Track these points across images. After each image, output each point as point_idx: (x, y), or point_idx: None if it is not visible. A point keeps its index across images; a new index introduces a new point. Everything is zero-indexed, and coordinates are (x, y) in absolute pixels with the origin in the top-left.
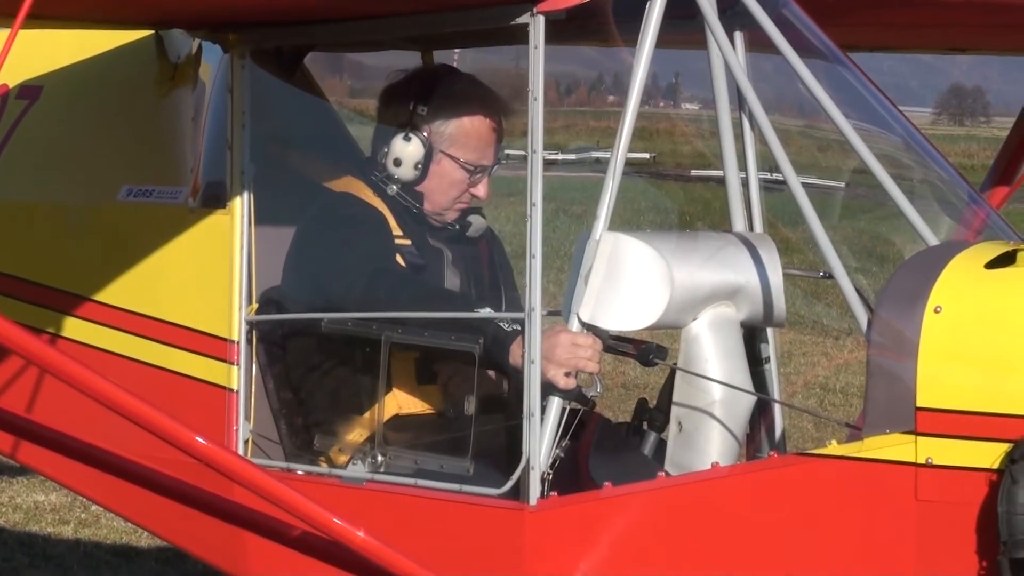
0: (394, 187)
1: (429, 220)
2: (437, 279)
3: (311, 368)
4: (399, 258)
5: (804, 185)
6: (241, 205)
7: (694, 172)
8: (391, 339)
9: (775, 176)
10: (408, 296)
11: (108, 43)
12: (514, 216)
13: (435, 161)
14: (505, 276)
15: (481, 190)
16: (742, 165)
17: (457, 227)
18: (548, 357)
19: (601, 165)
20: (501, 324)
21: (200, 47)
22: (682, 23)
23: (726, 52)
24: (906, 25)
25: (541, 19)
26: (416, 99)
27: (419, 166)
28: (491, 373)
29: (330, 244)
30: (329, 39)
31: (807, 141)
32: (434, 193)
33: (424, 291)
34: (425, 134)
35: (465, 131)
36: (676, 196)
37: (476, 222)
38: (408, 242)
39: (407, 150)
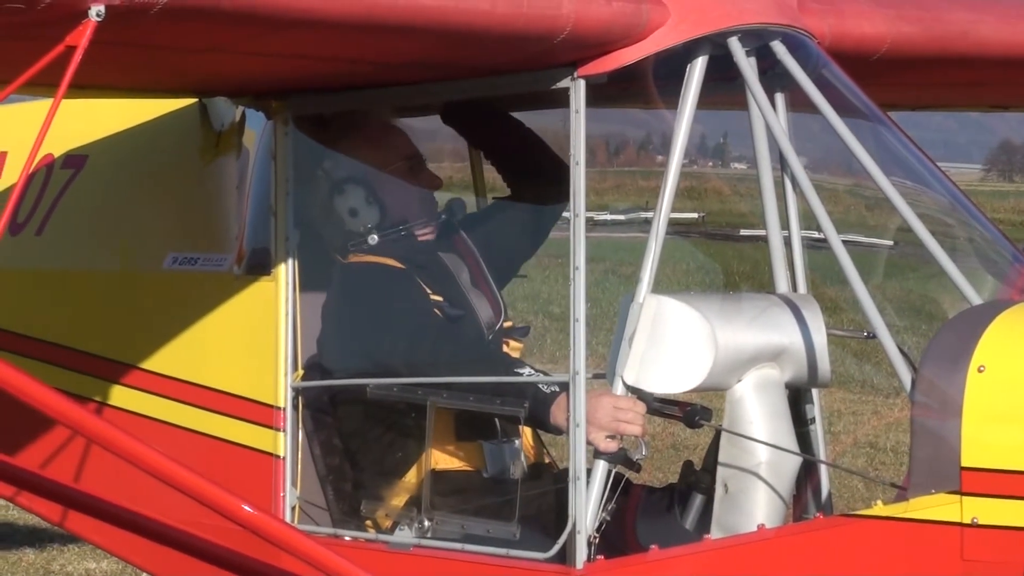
0: (375, 236)
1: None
2: (473, 322)
3: (357, 433)
4: (437, 312)
5: (848, 243)
6: (286, 271)
7: (743, 232)
8: (436, 404)
9: (820, 235)
10: (451, 359)
11: (152, 111)
12: (561, 277)
13: (377, 188)
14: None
15: (433, 180)
16: (785, 225)
17: (446, 219)
18: (590, 420)
19: (650, 225)
20: (540, 386)
21: (244, 114)
22: (723, 85)
23: (767, 114)
24: (948, 83)
25: (582, 83)
26: (327, 157)
27: (370, 200)
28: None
29: (367, 310)
30: (372, 105)
31: (853, 200)
32: (403, 213)
33: (465, 354)
34: (347, 177)
35: (374, 149)
36: (725, 256)
37: (456, 206)
38: (440, 297)
39: (349, 201)
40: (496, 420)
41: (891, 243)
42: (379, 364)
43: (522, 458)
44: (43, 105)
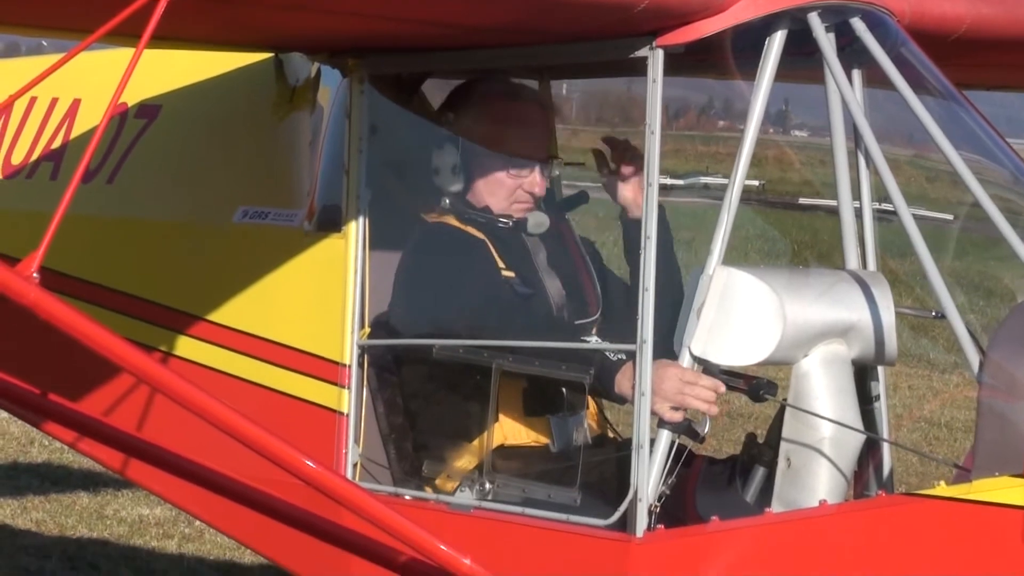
0: (446, 200)
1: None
2: (543, 301)
3: (421, 393)
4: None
5: (918, 218)
6: (356, 229)
7: (802, 200)
8: (502, 367)
9: (885, 206)
10: (517, 327)
11: (227, 64)
12: (621, 240)
13: (474, 164)
14: (598, 268)
15: (535, 187)
16: (856, 200)
17: (514, 223)
18: (656, 391)
19: (710, 191)
20: (607, 354)
21: (319, 71)
22: (800, 59)
23: (844, 91)
24: (979, 66)
25: (660, 53)
26: (447, 106)
27: (456, 170)
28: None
29: (437, 273)
30: (448, 66)
31: (925, 175)
32: (485, 196)
33: (531, 322)
34: (457, 138)
35: (496, 127)
36: (785, 224)
37: (534, 218)
38: (512, 274)
39: (442, 158)
40: (562, 391)
41: (960, 219)
42: (444, 330)
43: (586, 427)
44: (115, 54)
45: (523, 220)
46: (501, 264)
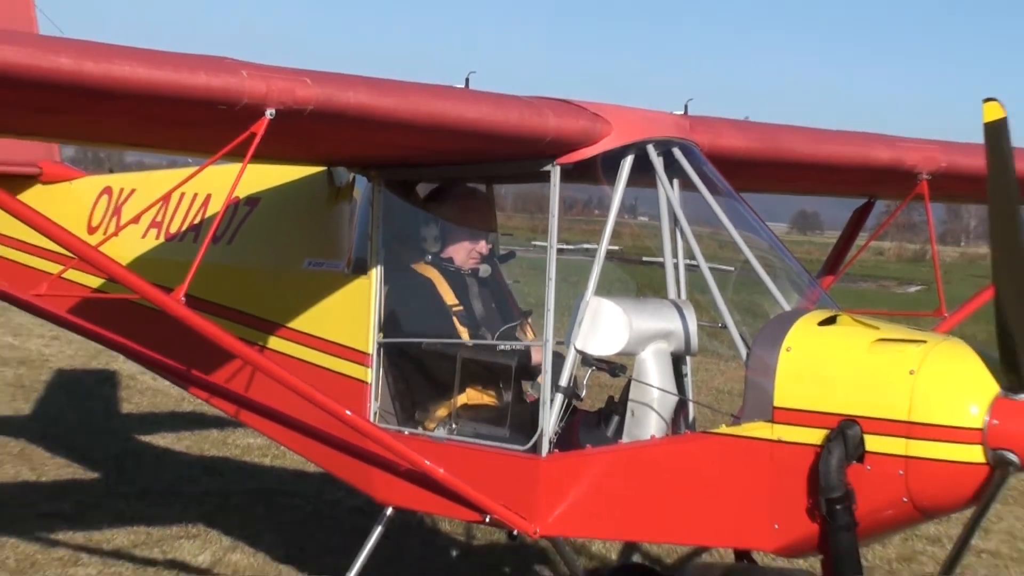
0: (428, 256)
1: (463, 272)
2: (480, 326)
3: (416, 371)
4: (454, 319)
5: (711, 269)
6: (376, 272)
7: (644, 259)
8: (462, 356)
9: (692, 262)
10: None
11: (298, 173)
12: (536, 282)
13: (447, 235)
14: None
15: (483, 250)
16: (674, 257)
17: (470, 271)
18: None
19: (589, 253)
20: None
21: (354, 178)
22: (642, 174)
23: (668, 192)
24: (777, 178)
25: (558, 168)
26: (431, 199)
27: (436, 238)
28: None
29: (410, 299)
30: (431, 175)
31: (715, 243)
32: (452, 253)
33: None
34: (438, 219)
35: (462, 214)
36: (634, 274)
37: (482, 268)
38: (461, 308)
39: (427, 229)
40: (498, 372)
41: (735, 269)
42: (415, 331)
43: (512, 393)
44: (230, 167)
45: (476, 269)
46: (449, 295)
